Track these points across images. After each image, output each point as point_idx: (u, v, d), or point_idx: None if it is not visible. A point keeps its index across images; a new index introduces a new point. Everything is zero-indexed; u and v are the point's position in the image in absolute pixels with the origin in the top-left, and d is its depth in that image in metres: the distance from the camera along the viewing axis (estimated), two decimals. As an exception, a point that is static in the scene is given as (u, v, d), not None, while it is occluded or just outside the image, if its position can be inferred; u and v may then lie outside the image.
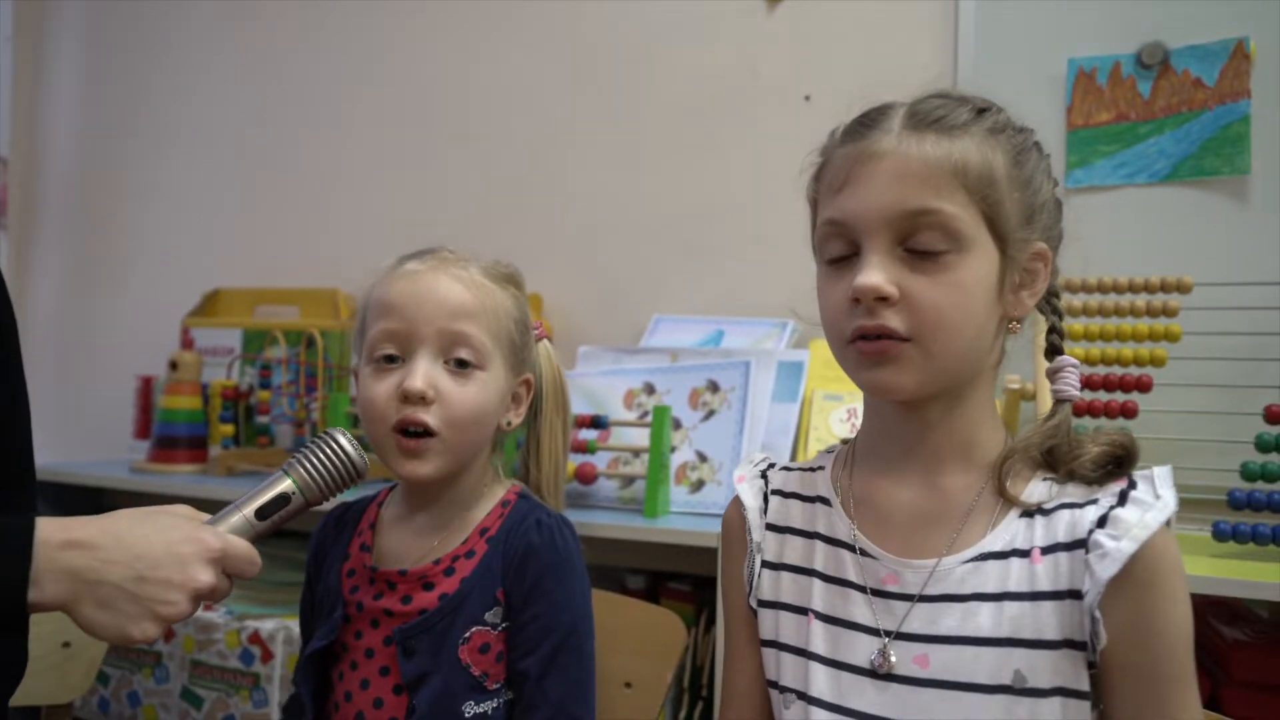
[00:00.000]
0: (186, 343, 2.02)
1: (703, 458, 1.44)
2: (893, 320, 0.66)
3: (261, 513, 0.77)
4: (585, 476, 1.41)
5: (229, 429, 1.85)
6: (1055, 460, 0.70)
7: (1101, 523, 0.64)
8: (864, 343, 0.67)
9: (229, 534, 0.74)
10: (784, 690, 0.74)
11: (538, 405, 1.02)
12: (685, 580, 1.47)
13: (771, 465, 0.84)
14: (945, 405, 0.70)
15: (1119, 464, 0.67)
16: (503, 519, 0.94)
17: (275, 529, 0.78)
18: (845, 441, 0.82)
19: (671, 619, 1.05)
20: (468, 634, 0.89)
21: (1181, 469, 0.69)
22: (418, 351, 0.89)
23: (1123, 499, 0.65)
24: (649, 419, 1.38)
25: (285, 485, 0.78)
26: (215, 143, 2.28)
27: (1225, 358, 1.26)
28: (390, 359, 0.90)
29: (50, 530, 0.68)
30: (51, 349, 2.41)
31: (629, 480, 1.43)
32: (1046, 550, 0.66)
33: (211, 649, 1.51)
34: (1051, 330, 0.77)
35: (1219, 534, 1.12)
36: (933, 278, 0.65)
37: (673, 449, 1.43)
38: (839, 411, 1.43)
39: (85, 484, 1.75)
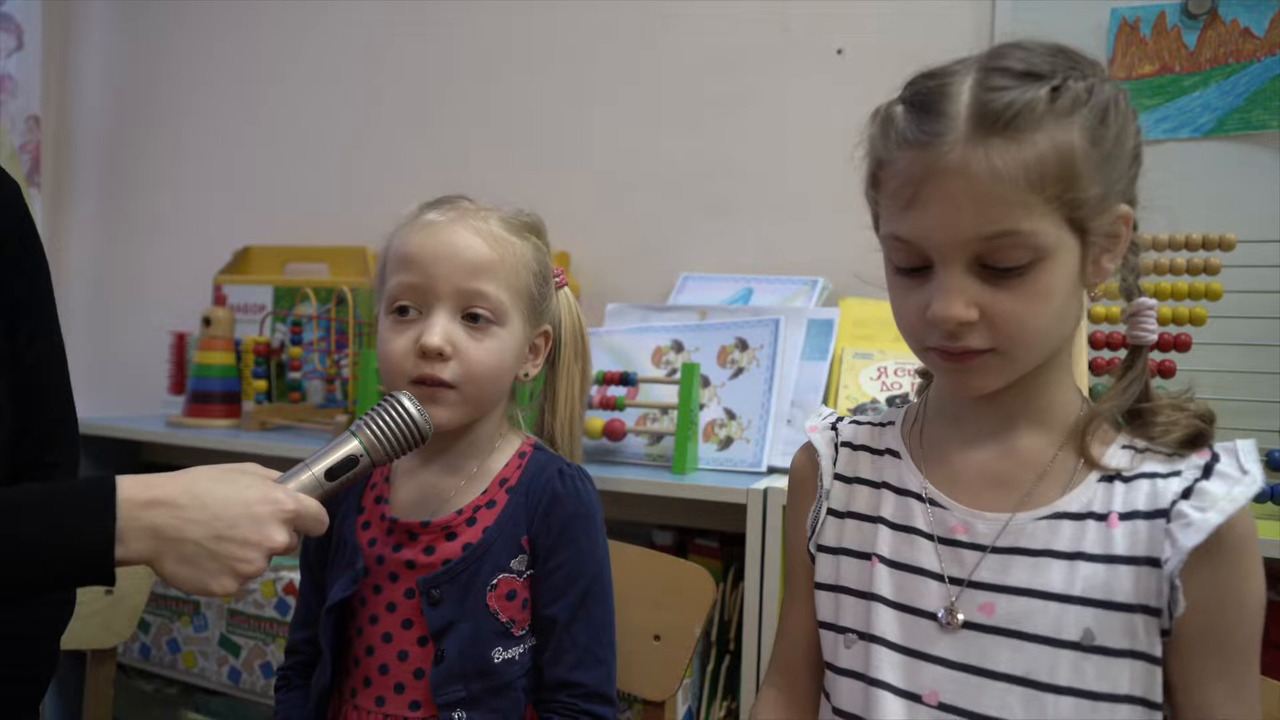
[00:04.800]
0: (219, 299, 2.04)
1: (731, 415, 1.44)
2: (974, 340, 0.65)
3: (331, 473, 0.78)
4: (614, 433, 1.42)
5: (262, 385, 1.87)
6: (1135, 424, 0.69)
7: (1186, 494, 0.64)
8: (945, 354, 0.67)
9: (300, 494, 0.76)
10: (843, 630, 0.75)
11: (556, 354, 1.02)
12: (713, 537, 1.48)
13: (840, 419, 0.85)
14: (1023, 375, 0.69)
15: (1198, 439, 0.67)
16: (521, 469, 0.95)
17: (341, 489, 0.79)
18: (895, 400, 0.82)
19: (700, 573, 1.06)
20: (494, 581, 0.90)
21: (1221, 429, 0.68)
22: (435, 307, 0.88)
23: (1207, 471, 0.65)
24: (677, 376, 1.38)
25: (353, 446, 0.79)
26: (244, 100, 2.28)
27: (1268, 316, 1.23)
28: (408, 311, 0.90)
29: (133, 489, 0.70)
30: (86, 306, 2.44)
31: (657, 437, 1.43)
32: (1125, 516, 0.65)
33: (248, 599, 1.55)
34: (1128, 270, 0.73)
35: (1259, 495, 1.10)
36: (1013, 291, 0.63)
37: (701, 406, 1.43)
38: (869, 370, 1.42)
39: (123, 437, 1.78)
